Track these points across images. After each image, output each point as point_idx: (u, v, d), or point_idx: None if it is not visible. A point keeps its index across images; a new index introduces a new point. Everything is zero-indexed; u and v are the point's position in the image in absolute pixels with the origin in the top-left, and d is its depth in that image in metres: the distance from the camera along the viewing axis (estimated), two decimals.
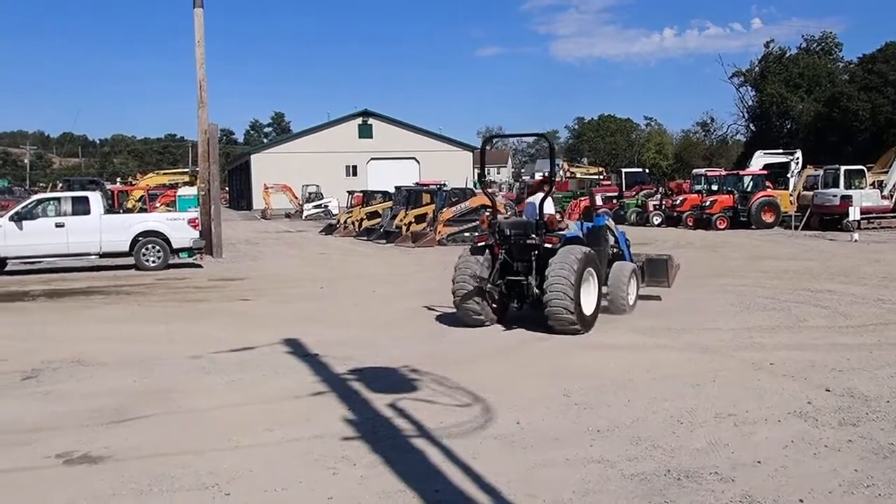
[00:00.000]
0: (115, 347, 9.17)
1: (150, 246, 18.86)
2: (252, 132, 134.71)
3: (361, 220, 31.35)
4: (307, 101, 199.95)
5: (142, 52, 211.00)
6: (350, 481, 4.83)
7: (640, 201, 36.08)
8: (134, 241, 18.75)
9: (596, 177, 50.86)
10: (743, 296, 12.30)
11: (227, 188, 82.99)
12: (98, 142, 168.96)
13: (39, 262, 19.09)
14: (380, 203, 32.76)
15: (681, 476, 4.79)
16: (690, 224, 30.84)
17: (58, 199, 19.82)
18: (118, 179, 71.96)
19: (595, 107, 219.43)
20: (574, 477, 4.82)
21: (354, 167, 61.35)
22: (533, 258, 9.59)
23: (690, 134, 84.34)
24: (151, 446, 5.54)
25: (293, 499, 4.52)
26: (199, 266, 19.77)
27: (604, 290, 10.32)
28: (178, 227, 19.26)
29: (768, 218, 29.85)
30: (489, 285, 9.62)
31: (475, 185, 51.92)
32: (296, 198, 50.24)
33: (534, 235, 9.64)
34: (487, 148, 12.33)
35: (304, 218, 45.95)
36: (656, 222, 33.49)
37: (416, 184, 36.58)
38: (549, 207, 10.04)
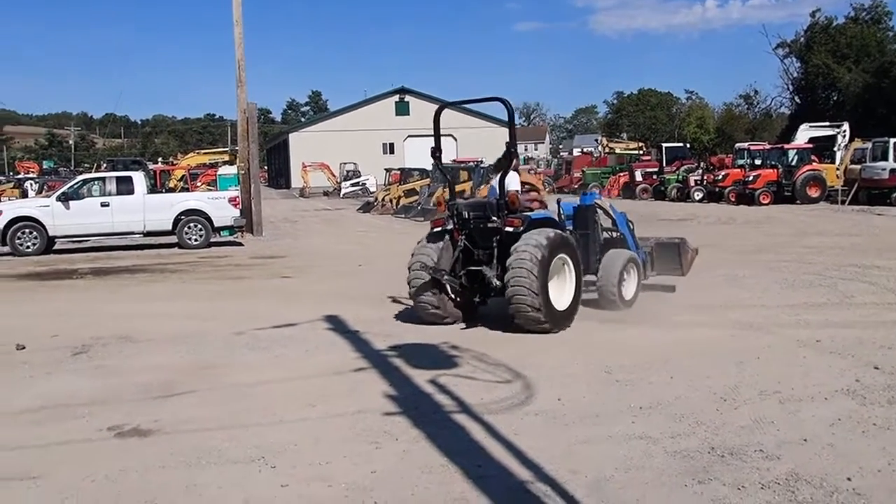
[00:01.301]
0: (160, 324, 9.34)
1: (192, 224, 19.15)
2: (290, 111, 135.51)
3: (399, 197, 31.46)
4: (344, 80, 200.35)
5: (182, 34, 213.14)
6: (392, 455, 4.88)
7: (680, 176, 35.63)
8: (176, 220, 19.06)
9: (635, 152, 50.21)
10: (788, 272, 12.10)
11: (265, 167, 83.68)
12: (140, 122, 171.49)
13: (86, 240, 19.52)
14: (417, 180, 32.82)
15: (725, 453, 4.75)
16: (733, 199, 30.37)
17: (103, 179, 20.21)
18: (159, 159, 73.02)
19: (634, 81, 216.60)
20: (616, 453, 4.81)
21: (391, 145, 61.43)
22: (495, 245, 8.39)
23: (733, 107, 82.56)
24: (198, 420, 5.65)
25: (337, 472, 4.58)
26: (240, 244, 20.04)
27: (593, 279, 9.28)
28: (220, 206, 19.52)
29: (814, 193, 29.26)
30: (446, 276, 8.41)
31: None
32: (333, 176, 50.52)
33: (494, 218, 8.41)
34: (444, 120, 8.79)
35: (341, 196, 46.22)
36: (697, 198, 33.05)
37: (454, 161, 36.51)
38: (513, 184, 8.80)
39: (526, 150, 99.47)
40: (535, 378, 6.46)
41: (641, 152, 50.95)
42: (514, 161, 8.63)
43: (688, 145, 51.09)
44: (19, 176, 58.32)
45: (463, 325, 8.63)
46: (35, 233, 18.40)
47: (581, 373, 6.67)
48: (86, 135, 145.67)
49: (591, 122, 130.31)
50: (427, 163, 36.83)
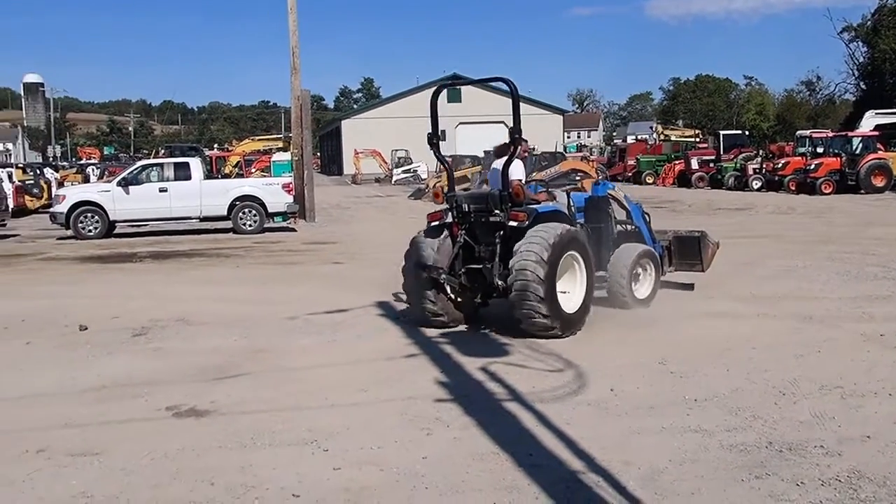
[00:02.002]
0: (216, 307, 9.51)
1: (246, 210, 19.45)
2: (342, 98, 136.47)
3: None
4: (396, 67, 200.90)
5: (237, 22, 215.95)
6: (444, 442, 4.88)
7: (738, 165, 34.87)
8: (231, 206, 19.37)
9: (691, 140, 49.31)
10: (850, 264, 11.75)
11: (318, 154, 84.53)
12: (196, 109, 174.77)
13: (144, 224, 19.99)
14: (468, 168, 32.78)
15: (783, 448, 4.64)
16: (793, 188, 29.61)
17: (161, 165, 20.65)
18: (215, 146, 74.28)
19: (691, 67, 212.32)
20: (670, 445, 4.73)
21: (443, 131, 61.33)
22: (498, 241, 7.64)
23: (794, 94, 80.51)
24: (253, 402, 5.74)
25: (388, 457, 4.61)
26: (293, 230, 20.28)
27: (603, 275, 8.50)
28: (274, 192, 19.77)
29: (879, 182, 28.36)
30: (444, 276, 7.67)
31: (565, 149, 51.29)
32: (385, 163, 50.80)
33: (497, 211, 7.63)
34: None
35: (393, 183, 46.47)
36: (756, 186, 32.34)
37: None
38: (517, 173, 7.80)
39: (579, 137, 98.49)
40: (587, 368, 6.40)
41: (698, 140, 50.06)
42: (520, 148, 7.77)
43: (746, 133, 49.96)
44: (82, 162, 60.02)
45: (465, 327, 7.99)
46: (97, 217, 18.91)
47: (634, 363, 6.58)
48: (144, 121, 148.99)
49: (646, 109, 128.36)
50: (479, 150, 36.76)
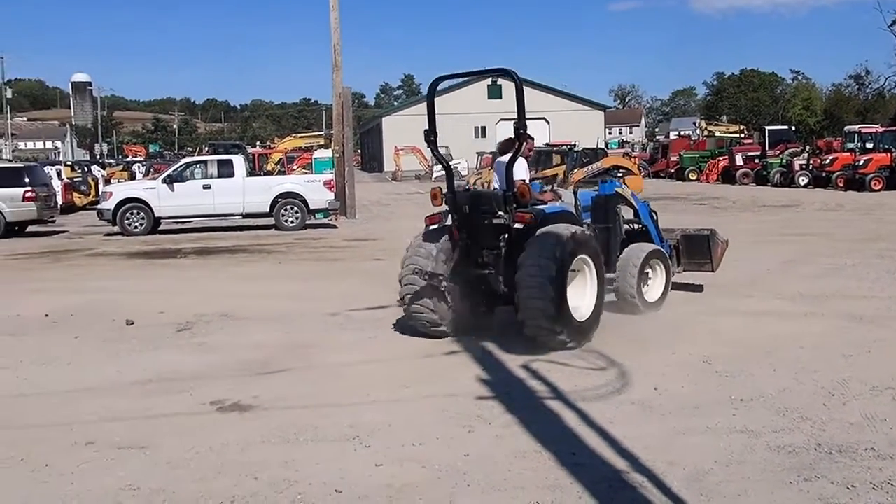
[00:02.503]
0: (259, 303, 9.62)
1: (288, 207, 19.63)
2: (383, 95, 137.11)
3: (490, 181, 31.35)
4: (437, 64, 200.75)
5: (279, 20, 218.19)
6: (485, 439, 4.87)
7: (784, 161, 34.23)
8: (274, 203, 19.57)
9: (736, 135, 48.50)
10: None
11: (359, 151, 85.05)
12: (238, 107, 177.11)
13: (189, 221, 20.30)
14: None
15: (833, 450, 4.53)
16: (841, 185, 29.01)
17: (205, 162, 20.93)
18: (257, 143, 75.16)
19: (736, 61, 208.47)
20: (716, 446, 4.66)
21: (483, 128, 61.34)
22: (502, 245, 7.20)
23: (842, 88, 78.64)
24: (295, 398, 5.78)
25: (430, 454, 4.61)
26: (335, 226, 20.43)
27: (611, 278, 7.98)
28: (315, 189, 19.92)
29: None
30: (445, 283, 7.17)
31: (606, 146, 50.83)
32: (425, 159, 50.83)
33: (500, 213, 7.12)
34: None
35: (433, 179, 46.42)
36: (802, 183, 31.72)
37: (546, 144, 36.16)
38: (521, 172, 7.30)
39: (620, 133, 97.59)
40: (630, 367, 6.33)
41: (742, 135, 49.18)
42: (524, 145, 7.26)
43: (793, 128, 48.93)
44: (128, 159, 61.21)
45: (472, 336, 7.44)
46: (142, 213, 19.25)
47: (679, 362, 6.49)
48: (188, 119, 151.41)
49: (690, 105, 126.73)
50: None
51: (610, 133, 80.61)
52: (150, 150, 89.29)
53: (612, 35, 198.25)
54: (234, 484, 4.23)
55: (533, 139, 7.74)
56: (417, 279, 7.21)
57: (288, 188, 19.98)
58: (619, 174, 25.77)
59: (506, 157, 7.36)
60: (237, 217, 19.83)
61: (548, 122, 60.82)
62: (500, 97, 61.51)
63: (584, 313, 7.04)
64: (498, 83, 62.58)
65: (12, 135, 76.91)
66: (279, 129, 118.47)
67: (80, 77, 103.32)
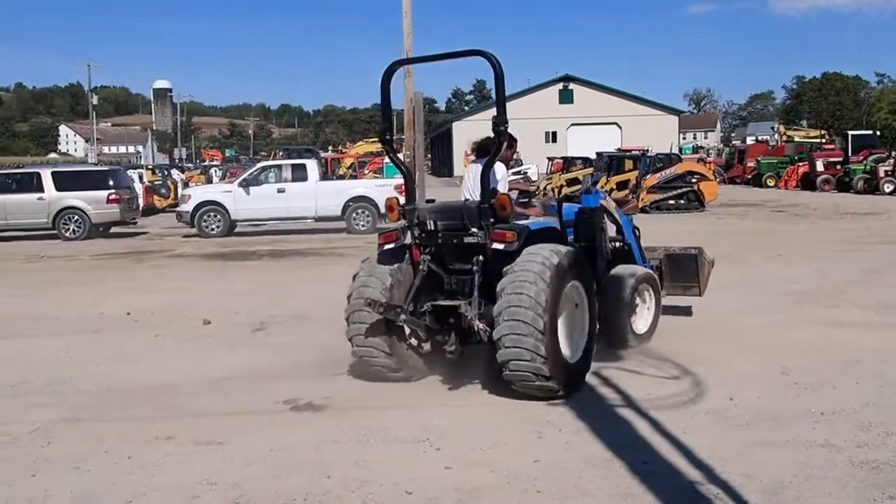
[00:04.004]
0: (331, 305, 9.70)
1: (360, 210, 19.91)
2: (453, 100, 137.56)
3: (561, 186, 31.18)
4: (509, 68, 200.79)
5: (352, 26, 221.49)
6: (555, 446, 4.83)
7: (868, 167, 32.96)
8: (345, 206, 19.87)
9: (816, 140, 46.99)
10: None
11: (429, 155, 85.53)
12: (312, 112, 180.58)
13: (263, 224, 20.78)
14: (580, 169, 32.41)
15: None
16: None
17: (279, 166, 21.42)
18: (329, 148, 76.38)
19: (817, 64, 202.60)
20: (795, 460, 4.51)
21: (554, 133, 60.94)
22: (475, 269, 5.85)
23: None
24: (366, 399, 5.84)
25: (500, 458, 4.60)
26: None
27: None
28: (386, 193, 20.12)
29: None
30: (403, 316, 5.85)
31: (680, 151, 49.90)
32: None
33: (473, 229, 5.84)
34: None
35: None
36: (888, 190, 30.51)
37: (618, 150, 35.70)
38: (499, 179, 6.20)
39: (695, 138, 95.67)
40: (704, 376, 6.19)
41: (823, 141, 47.63)
42: (505, 147, 6.01)
43: (877, 133, 47.10)
44: (205, 163, 63.04)
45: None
46: (219, 216, 19.81)
47: (755, 373, 6.31)
48: (263, 125, 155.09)
49: (767, 109, 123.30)
50: (590, 151, 36.28)
51: (684, 138, 79.10)
52: (226, 155, 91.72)
53: (689, 38, 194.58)
54: (307, 482, 4.30)
55: (516, 141, 6.50)
56: (367, 314, 5.89)
57: (360, 192, 20.26)
58: (694, 180, 25.30)
59: (480, 163, 6.25)
60: (310, 220, 20.20)
61: (620, 128, 60.08)
62: (572, 101, 61.21)
63: (575, 353, 5.87)
64: (569, 87, 62.25)
65: (97, 139, 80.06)
66: (350, 134, 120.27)
67: (161, 84, 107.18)
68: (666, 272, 7.89)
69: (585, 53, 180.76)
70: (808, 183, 36.05)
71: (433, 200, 6.37)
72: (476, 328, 5.58)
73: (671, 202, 24.48)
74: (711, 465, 4.43)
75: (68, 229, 19.96)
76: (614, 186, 26.29)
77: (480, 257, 5.85)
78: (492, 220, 5.80)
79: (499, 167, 6.16)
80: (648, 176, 24.96)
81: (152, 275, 13.49)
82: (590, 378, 6.26)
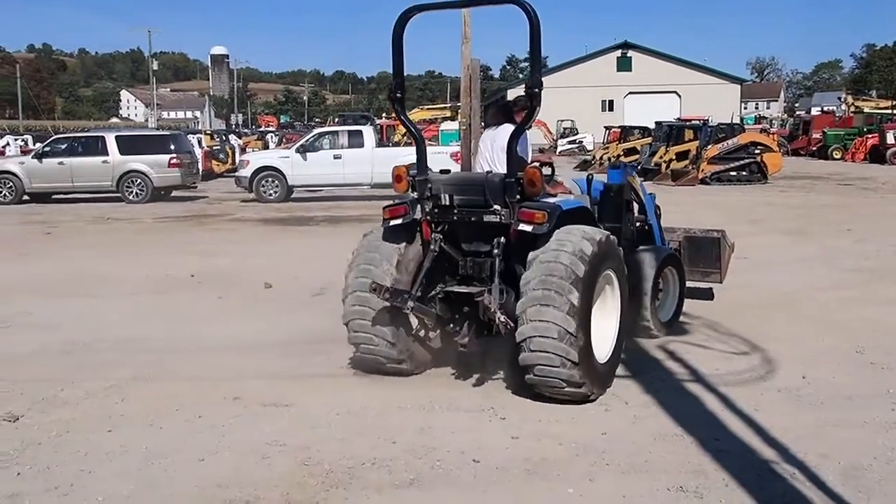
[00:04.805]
0: None
1: None
2: (508, 67, 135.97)
3: (618, 156, 30.64)
4: (566, 36, 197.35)
5: None
6: (622, 419, 4.76)
7: None
8: None
9: (887, 111, 45.22)
10: None
11: (483, 124, 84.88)
12: (366, 79, 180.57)
13: (319, 190, 20.90)
14: (638, 139, 31.82)
15: None
16: None
17: (336, 133, 21.45)
18: (383, 115, 76.34)
19: (889, 32, 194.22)
20: (874, 441, 4.36)
21: (611, 102, 59.93)
22: (496, 251, 5.18)
23: None
24: (429, 366, 5.82)
25: (566, 431, 4.55)
26: None
27: None
28: (441, 161, 19.92)
29: None
30: (412, 303, 5.14)
31: (741, 121, 48.63)
32: (550, 133, 50.19)
33: (496, 206, 5.15)
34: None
35: (557, 153, 45.85)
36: None
37: (678, 119, 34.92)
38: (525, 149, 5.49)
39: (756, 108, 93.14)
40: (775, 352, 6.03)
41: (894, 112, 45.81)
42: (528, 113, 5.27)
43: None
44: (261, 129, 63.68)
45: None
46: (277, 181, 19.97)
47: (828, 351, 6.12)
48: (318, 91, 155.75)
49: (834, 79, 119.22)
50: (648, 121, 35.56)
51: (745, 108, 76.93)
52: (281, 121, 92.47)
53: (753, 3, 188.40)
54: (373, 446, 4.32)
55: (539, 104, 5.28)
56: (370, 298, 5.26)
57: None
58: (757, 151, 24.61)
59: (502, 130, 5.65)
60: (365, 187, 20.24)
61: (679, 97, 58.76)
62: (630, 69, 60.00)
63: (605, 351, 5.21)
64: (628, 55, 60.98)
65: (157, 105, 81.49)
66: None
67: (219, 50, 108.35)
68: (685, 256, 7.18)
69: (645, 20, 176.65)
70: (877, 156, 34.76)
71: (448, 170, 5.69)
72: (497, 321, 4.88)
73: (732, 174, 23.86)
74: (785, 444, 4.31)
75: (131, 192, 20.36)
76: (673, 157, 25.77)
77: (502, 239, 5.17)
78: (518, 197, 5.09)
79: (526, 136, 5.44)
80: (709, 146, 24.33)
81: (213, 238, 13.71)
82: (656, 352, 6.17)
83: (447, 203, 5.30)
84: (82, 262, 11.10)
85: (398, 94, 5.50)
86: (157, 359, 6.10)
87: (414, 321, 5.47)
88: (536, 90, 5.08)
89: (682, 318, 7.06)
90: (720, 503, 3.70)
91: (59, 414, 4.87)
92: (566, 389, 4.84)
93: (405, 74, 5.53)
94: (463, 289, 5.29)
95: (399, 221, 5.37)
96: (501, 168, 5.43)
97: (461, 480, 3.93)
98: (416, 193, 5.40)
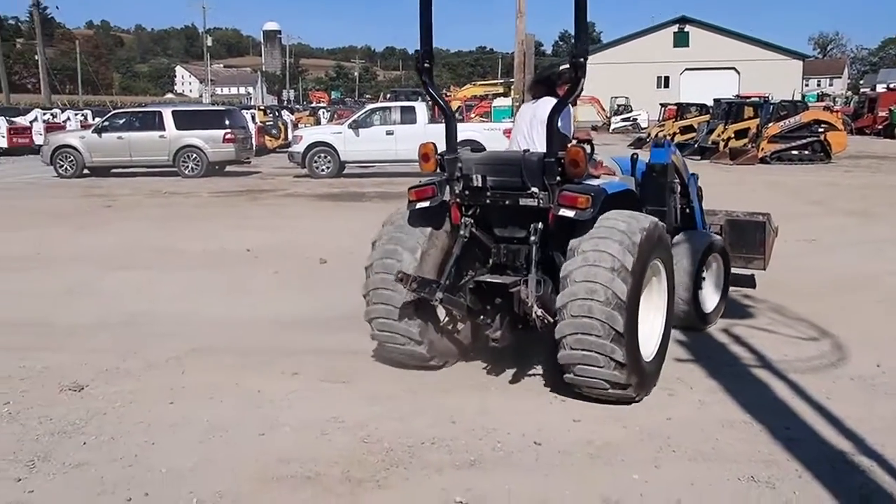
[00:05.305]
0: None
1: None
2: (561, 43, 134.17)
3: (674, 134, 30.02)
4: (621, 11, 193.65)
5: None
6: (688, 405, 4.62)
7: None
8: None
9: None
10: None
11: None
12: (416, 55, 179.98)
13: (371, 165, 20.92)
14: (695, 116, 31.10)
15: None
16: None
17: (388, 108, 21.40)
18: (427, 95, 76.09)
19: None
20: None
21: (667, 78, 58.75)
22: (533, 238, 4.75)
23: None
24: (486, 348, 5.73)
25: (630, 415, 4.43)
26: None
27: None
28: (494, 138, 19.82)
29: None
30: (440, 294, 4.72)
31: (803, 98, 47.17)
32: (603, 110, 49.47)
33: (533, 189, 4.73)
34: None
35: (610, 131, 45.19)
36: None
37: (737, 96, 34.01)
38: (568, 124, 5.01)
39: (819, 85, 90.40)
40: (846, 338, 5.80)
41: None
42: (572, 85, 4.73)
43: None
44: (313, 105, 64.07)
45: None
46: (329, 157, 20.04)
47: None
48: (368, 67, 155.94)
49: None
50: (708, 97, 34.71)
51: (807, 85, 74.73)
52: (332, 97, 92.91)
53: None
54: (432, 425, 4.26)
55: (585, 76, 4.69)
56: (394, 289, 4.85)
57: (468, 136, 19.94)
58: (820, 129, 23.86)
59: (542, 103, 5.14)
60: (417, 163, 20.16)
61: (738, 73, 57.28)
62: (687, 45, 58.65)
63: (651, 348, 4.81)
64: (685, 30, 59.59)
65: (210, 80, 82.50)
66: (455, 78, 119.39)
67: (271, 26, 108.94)
68: (726, 240, 6.69)
69: None
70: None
71: (481, 148, 5.42)
72: (533, 315, 4.45)
73: (794, 152, 23.17)
74: (861, 436, 4.13)
75: (187, 167, 20.65)
76: (732, 135, 25.15)
77: (540, 224, 4.74)
78: (558, 178, 4.66)
79: (568, 111, 4.95)
80: (770, 124, 23.65)
81: (267, 213, 13.81)
82: (720, 336, 6.00)
83: (479, 184, 4.87)
84: (141, 235, 11.28)
85: (426, 64, 5.06)
86: (215, 332, 6.13)
87: (441, 313, 5.11)
88: (581, 60, 4.54)
89: (743, 300, 6.87)
90: (794, 495, 3.56)
91: (122, 385, 4.93)
92: (610, 391, 4.47)
93: (433, 44, 5.17)
94: (496, 278, 4.88)
95: (426, 204, 4.96)
96: (540, 146, 4.95)
97: (523, 463, 3.86)
98: (445, 174, 5.00)
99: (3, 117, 30.31)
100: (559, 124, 4.75)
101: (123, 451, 3.94)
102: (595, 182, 4.85)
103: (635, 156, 5.87)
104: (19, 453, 3.91)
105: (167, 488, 3.58)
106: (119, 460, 3.84)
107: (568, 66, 4.88)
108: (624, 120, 46.26)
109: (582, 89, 4.72)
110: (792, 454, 3.93)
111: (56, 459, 3.85)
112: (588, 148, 4.86)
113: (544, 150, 4.77)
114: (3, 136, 29.02)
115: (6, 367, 5.23)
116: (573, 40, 4.65)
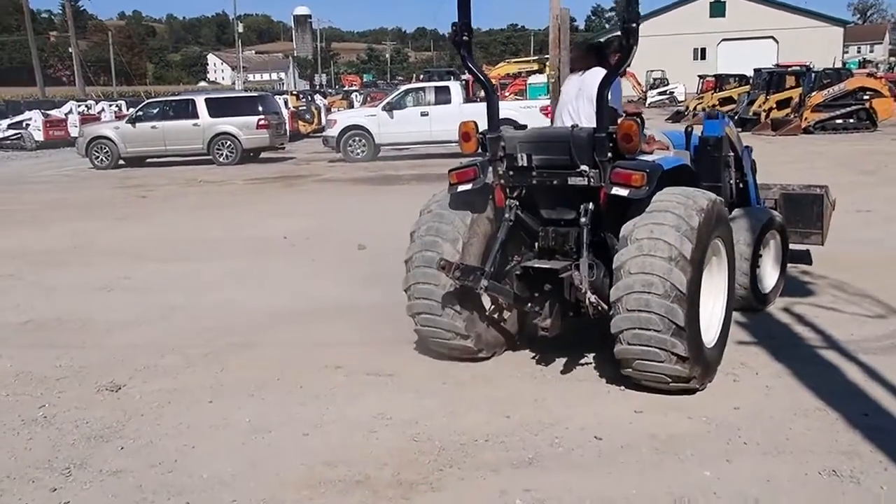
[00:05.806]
0: None
1: None
2: (593, 17, 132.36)
3: (713, 106, 29.33)
4: None
5: None
6: (755, 391, 4.34)
7: None
8: None
9: None
10: None
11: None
12: (447, 35, 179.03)
13: (406, 148, 20.67)
14: (734, 88, 30.36)
15: None
16: None
17: (422, 89, 21.11)
18: (466, 70, 75.50)
19: None
20: None
21: (703, 50, 57.52)
22: (583, 219, 4.46)
23: None
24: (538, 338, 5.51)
25: (694, 403, 4.17)
26: None
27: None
28: (531, 115, 19.44)
29: None
30: (485, 282, 4.45)
31: (843, 65, 45.83)
32: (639, 84, 48.57)
33: (583, 167, 4.43)
34: None
35: (647, 105, 44.32)
36: None
37: (776, 65, 33.07)
38: (618, 97, 4.72)
39: (859, 51, 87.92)
40: None
41: None
42: (624, 54, 4.34)
43: None
44: (345, 88, 63.95)
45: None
46: (364, 140, 19.84)
47: None
48: (400, 48, 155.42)
49: None
50: (745, 68, 33.83)
51: (846, 52, 72.67)
52: (364, 80, 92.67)
53: None
54: (486, 421, 4.04)
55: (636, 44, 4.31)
56: (437, 279, 4.61)
57: (504, 114, 19.47)
58: (866, 97, 23.08)
59: (590, 75, 4.88)
60: (454, 144, 19.89)
61: (776, 42, 55.82)
62: (724, 15, 57.27)
63: (713, 334, 4.51)
64: (722, 1, 58.19)
65: (242, 67, 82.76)
66: (486, 56, 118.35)
67: (301, 11, 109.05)
68: (782, 215, 6.29)
69: None
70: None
71: (524, 126, 5.02)
72: (587, 302, 4.22)
73: (838, 121, 22.44)
74: None
75: (221, 154, 20.60)
76: (774, 105, 24.46)
77: (590, 205, 4.45)
78: (610, 155, 4.37)
79: (617, 83, 4.58)
80: (814, 93, 22.90)
81: (304, 199, 13.66)
82: (781, 315, 5.69)
83: (524, 164, 4.59)
84: (177, 225, 11.20)
85: (465, 37, 4.69)
86: (254, 324, 5.98)
87: (487, 302, 4.85)
88: (634, 25, 4.20)
89: (802, 277, 6.54)
90: (882, 490, 3.28)
91: (160, 383, 4.78)
92: (671, 385, 4.19)
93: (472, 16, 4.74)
94: (544, 264, 4.58)
95: (468, 187, 4.69)
96: (588, 121, 4.69)
97: (584, 460, 3.62)
98: (487, 154, 4.73)
99: (39, 110, 30.58)
100: (609, 97, 4.44)
101: (162, 455, 3.77)
102: (649, 158, 4.55)
103: (690, 128, 5.54)
104: (54, 461, 3.76)
105: (208, 496, 3.40)
106: (158, 465, 3.67)
107: (619, 33, 4.43)
108: (661, 94, 45.41)
109: (633, 57, 4.33)
110: (875, 444, 3.65)
111: (92, 466, 3.69)
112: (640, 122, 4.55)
113: (593, 126, 4.48)
114: (40, 130, 29.25)
115: (43, 366, 5.12)
116: (625, 3, 4.31)
